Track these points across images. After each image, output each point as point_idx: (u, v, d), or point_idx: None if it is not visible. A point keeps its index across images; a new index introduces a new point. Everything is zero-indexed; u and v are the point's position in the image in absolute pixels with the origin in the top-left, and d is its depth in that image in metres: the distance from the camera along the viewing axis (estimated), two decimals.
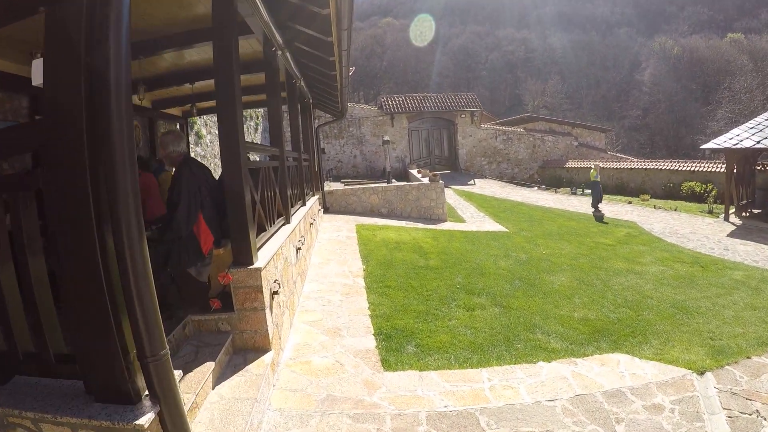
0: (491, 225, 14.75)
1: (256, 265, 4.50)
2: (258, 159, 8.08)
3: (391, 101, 29.03)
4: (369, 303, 6.95)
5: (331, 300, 6.99)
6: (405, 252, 10.19)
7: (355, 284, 7.77)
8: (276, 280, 4.98)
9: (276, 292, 4.88)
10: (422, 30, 75.18)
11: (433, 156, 29.53)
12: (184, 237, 4.43)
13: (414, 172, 21.15)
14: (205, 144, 17.82)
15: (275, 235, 6.02)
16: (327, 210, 14.98)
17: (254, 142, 20.28)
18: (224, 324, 4.56)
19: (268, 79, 7.15)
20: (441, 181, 15.56)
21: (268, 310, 4.56)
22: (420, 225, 13.98)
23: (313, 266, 8.82)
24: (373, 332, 5.92)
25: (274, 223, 6.12)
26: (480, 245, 11.48)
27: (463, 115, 29.02)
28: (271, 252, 5.10)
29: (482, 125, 29.59)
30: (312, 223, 9.81)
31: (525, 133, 29.95)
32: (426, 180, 16.42)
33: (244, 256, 4.54)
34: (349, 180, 23.18)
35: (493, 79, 70.98)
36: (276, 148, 7.15)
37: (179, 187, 4.46)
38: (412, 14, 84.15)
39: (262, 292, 4.44)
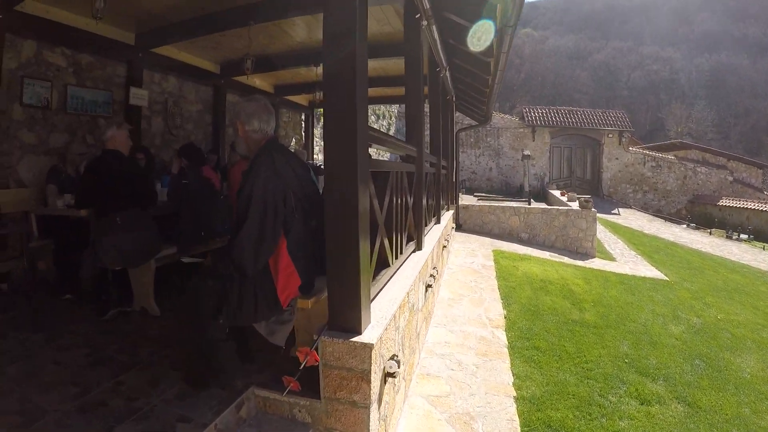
0: (646, 269, 11.94)
1: (365, 335, 2.75)
2: (387, 158, 6.11)
3: (534, 113, 25.88)
4: (513, 374, 4.91)
5: (462, 362, 4.94)
6: (553, 296, 7.95)
7: (494, 339, 5.67)
8: (394, 356, 3.06)
9: (392, 374, 2.94)
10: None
11: (574, 177, 25.78)
12: (250, 274, 2.77)
13: (555, 193, 18.39)
14: None
15: (401, 270, 4.21)
16: (459, 227, 12.85)
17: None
18: (302, 412, 2.83)
19: (408, 53, 5.31)
20: (594, 210, 12.77)
21: (374, 405, 2.73)
22: (566, 259, 11.53)
23: (442, 303, 6.82)
24: (519, 430, 3.92)
25: (402, 252, 4.33)
26: (641, 297, 9.04)
27: (610, 135, 25.10)
28: (392, 306, 3.28)
29: (630, 148, 25.73)
30: (445, 246, 7.67)
31: (676, 161, 25.42)
32: (574, 205, 13.69)
33: (346, 317, 2.79)
34: (483, 194, 20.88)
35: (634, 99, 65.04)
36: (413, 147, 5.21)
37: (249, 192, 2.79)
38: (553, 25, 79.76)
39: (369, 380, 2.65)
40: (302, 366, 2.68)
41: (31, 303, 4.19)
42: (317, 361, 2.63)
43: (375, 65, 9.22)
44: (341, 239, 2.68)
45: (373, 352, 2.63)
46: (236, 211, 2.83)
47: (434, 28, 5.53)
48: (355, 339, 2.65)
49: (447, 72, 7.69)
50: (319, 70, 8.62)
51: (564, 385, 4.89)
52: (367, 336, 2.68)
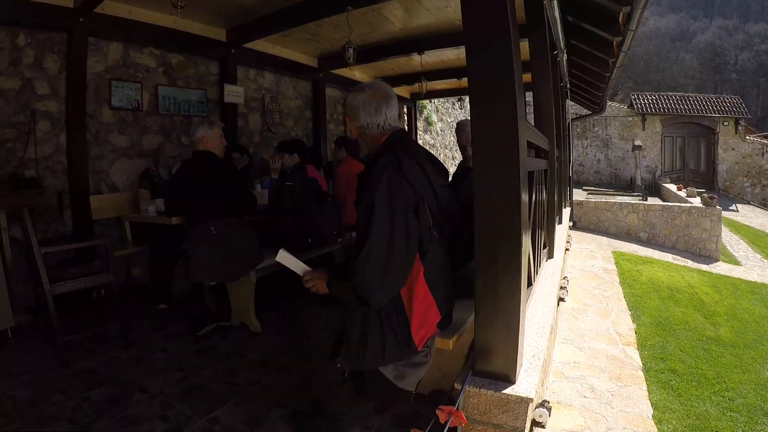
0: None
1: (520, 383, 2.07)
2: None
3: (644, 99, 22.82)
4: (651, 404, 4.06)
5: (594, 388, 4.07)
6: (683, 307, 6.87)
7: (626, 359, 4.78)
8: (544, 402, 2.30)
9: (540, 425, 2.23)
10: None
11: (687, 169, 22.42)
12: (375, 308, 2.09)
13: (670, 187, 16.14)
14: (435, 132, 15.20)
15: (539, 286, 3.49)
16: (573, 225, 11.46)
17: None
18: None
19: (533, 34, 4.29)
20: (719, 207, 10.81)
21: None
22: (690, 262, 9.97)
23: (566, 314, 5.93)
24: None
25: (540, 264, 3.67)
26: None
27: (725, 123, 21.46)
28: (541, 338, 2.57)
29: (747, 137, 22.25)
30: (567, 249, 6.52)
31: None
32: (696, 202, 11.72)
33: (497, 360, 2.10)
34: (592, 188, 18.91)
35: (744, 83, 57.84)
36: (546, 139, 4.23)
37: (370, 203, 2.05)
38: (651, 5, 73.09)
39: None
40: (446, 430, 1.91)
41: (121, 315, 3.73)
42: (463, 423, 1.91)
43: None
44: (496, 259, 2.01)
45: (530, 406, 2.00)
46: (356, 227, 2.11)
47: (555, 3, 4.51)
48: (508, 391, 2.00)
49: (564, 55, 6.45)
50: (424, 58, 7.69)
51: (706, 419, 4.15)
52: (522, 386, 2.03)
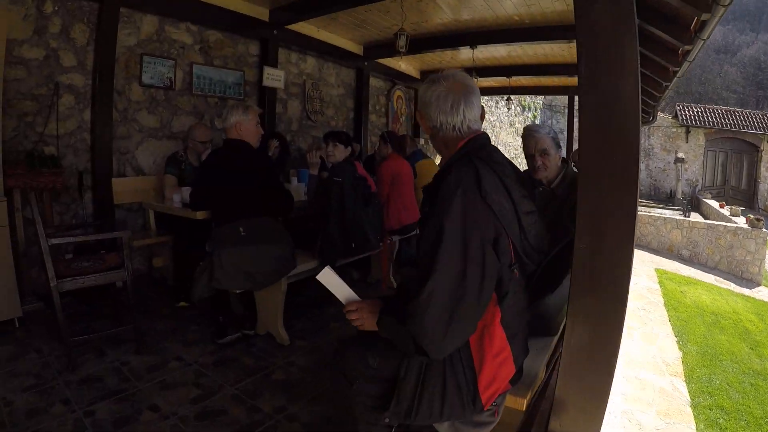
0: None
1: None
2: None
3: (689, 111, 21.60)
4: None
5: (642, 425, 3.76)
6: (728, 335, 6.63)
7: (674, 391, 4.51)
8: None
9: None
10: None
11: (728, 186, 21.16)
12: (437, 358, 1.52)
13: (712, 203, 15.25)
14: None
15: None
16: None
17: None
18: None
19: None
20: (765, 230, 10.01)
21: None
22: (733, 285, 9.53)
23: None
24: None
25: None
26: None
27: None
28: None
29: None
30: None
31: None
32: (740, 222, 10.96)
33: (579, 417, 1.67)
34: None
35: None
36: None
37: (438, 228, 1.49)
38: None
39: None
40: None
41: (135, 317, 3.23)
42: None
43: (538, 51, 7.51)
44: (598, 292, 1.64)
45: None
46: (419, 255, 1.57)
47: None
48: None
49: None
50: (476, 53, 7.02)
51: None
52: None
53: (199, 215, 3.49)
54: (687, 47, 4.51)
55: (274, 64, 6.02)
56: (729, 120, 21.03)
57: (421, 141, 10.31)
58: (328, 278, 1.74)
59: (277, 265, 3.27)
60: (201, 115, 5.29)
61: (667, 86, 7.40)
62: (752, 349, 6.28)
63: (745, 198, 21.09)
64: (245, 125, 3.20)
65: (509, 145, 17.52)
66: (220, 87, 5.47)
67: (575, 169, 3.09)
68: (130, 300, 3.09)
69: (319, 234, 3.88)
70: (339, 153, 4.05)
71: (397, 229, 4.99)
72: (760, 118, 21.07)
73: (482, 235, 1.51)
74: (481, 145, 1.69)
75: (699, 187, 20.77)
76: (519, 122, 18.51)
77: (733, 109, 23.44)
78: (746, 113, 21.89)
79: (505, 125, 17.13)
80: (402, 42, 5.26)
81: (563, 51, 7.63)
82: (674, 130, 21.41)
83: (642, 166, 21.55)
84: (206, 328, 3.62)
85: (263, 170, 3.26)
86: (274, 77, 6.00)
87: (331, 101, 7.57)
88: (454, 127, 1.70)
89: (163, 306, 4.05)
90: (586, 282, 1.60)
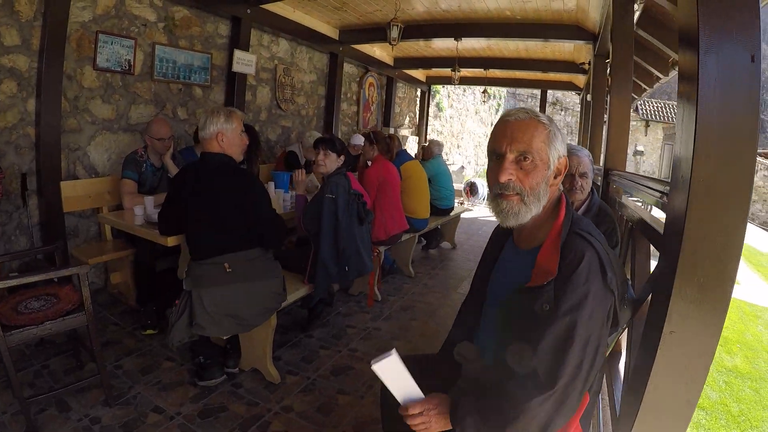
0: None
1: None
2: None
3: (649, 106, 22.58)
4: None
5: None
6: None
7: None
8: None
9: None
10: None
11: None
12: None
13: None
14: (444, 118, 14.20)
15: None
16: None
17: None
18: None
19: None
20: None
21: None
22: None
23: None
24: None
25: None
26: None
27: None
28: None
29: None
30: None
31: None
32: None
33: None
34: None
35: None
36: None
37: (571, 329, 1.25)
38: None
39: None
40: None
41: (99, 364, 2.64)
42: None
43: (519, 45, 7.28)
44: None
45: None
46: (540, 355, 1.28)
47: None
48: None
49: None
50: (460, 44, 6.72)
51: None
52: None
53: (171, 242, 2.96)
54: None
55: (246, 47, 5.45)
56: None
57: (390, 130, 9.97)
58: (388, 368, 1.35)
59: (267, 303, 2.85)
60: (162, 104, 4.69)
61: (646, 90, 7.52)
62: (722, 345, 6.33)
63: None
64: (228, 136, 2.68)
65: (474, 133, 17.42)
66: (185, 72, 4.88)
67: (599, 199, 2.85)
68: (93, 346, 2.59)
69: (310, 257, 3.50)
70: (331, 163, 3.59)
71: (385, 239, 4.65)
72: None
73: (600, 336, 1.28)
74: (577, 216, 1.41)
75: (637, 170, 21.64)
76: (484, 110, 18.42)
77: None
78: None
79: (471, 113, 16.98)
80: (395, 33, 4.87)
81: (544, 48, 7.50)
82: (634, 123, 22.14)
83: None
84: (182, 364, 3.15)
85: (252, 193, 2.74)
86: (244, 62, 5.45)
87: (303, 88, 7.04)
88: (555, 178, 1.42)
89: (127, 335, 3.51)
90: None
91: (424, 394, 1.41)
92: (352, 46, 7.47)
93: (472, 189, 11.69)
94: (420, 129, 11.96)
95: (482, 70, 8.93)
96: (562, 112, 23.52)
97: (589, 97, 6.77)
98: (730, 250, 1.22)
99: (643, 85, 7.30)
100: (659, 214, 2.49)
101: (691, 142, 1.17)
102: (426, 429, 1.37)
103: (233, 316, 2.68)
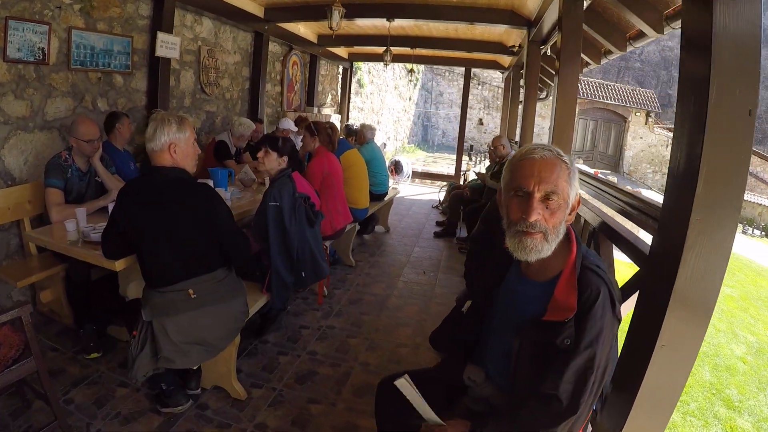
0: None
1: None
2: None
3: None
4: None
5: None
6: None
7: None
8: None
9: None
10: None
11: (596, 151, 24.44)
12: None
13: (584, 167, 16.68)
14: (365, 95, 14.06)
15: None
16: None
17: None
18: None
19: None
20: None
21: None
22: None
23: None
24: None
25: None
26: None
27: (637, 114, 23.76)
28: None
29: (655, 128, 23.82)
30: None
31: None
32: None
33: None
34: None
35: (646, 73, 62.02)
36: None
37: (589, 362, 1.41)
38: None
39: None
40: None
41: (29, 385, 2.49)
42: None
43: (449, 27, 7.31)
44: None
45: None
46: (560, 385, 1.41)
47: None
48: None
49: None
50: (393, 23, 6.64)
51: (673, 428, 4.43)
52: None
53: (119, 266, 2.66)
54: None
55: (170, 29, 5.01)
56: (601, 93, 23.72)
57: (314, 110, 9.77)
58: (407, 389, 1.52)
59: (234, 323, 2.71)
60: (81, 95, 4.23)
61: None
62: None
63: (612, 163, 24.46)
64: (182, 146, 2.43)
65: (393, 108, 17.46)
66: (104, 58, 4.42)
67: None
68: (46, 391, 2.34)
69: (267, 266, 3.37)
70: (270, 162, 3.43)
71: (331, 234, 4.59)
72: (630, 93, 24.62)
73: (612, 349, 1.47)
74: (585, 250, 1.54)
75: (570, 151, 22.70)
76: (403, 85, 18.48)
77: (605, 82, 26.59)
78: (618, 87, 25.32)
79: (390, 89, 16.97)
80: (336, 17, 4.70)
81: (473, 30, 7.62)
82: (549, 99, 22.93)
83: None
84: (137, 389, 2.92)
85: (215, 211, 2.50)
86: (168, 44, 5.03)
87: (227, 70, 6.64)
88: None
89: (70, 361, 3.20)
90: None
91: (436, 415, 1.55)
92: (278, 24, 7.14)
93: (396, 168, 11.78)
94: (342, 107, 11.78)
95: (409, 48, 8.91)
96: (480, 87, 24.17)
97: (522, 82, 6.98)
98: (718, 270, 1.42)
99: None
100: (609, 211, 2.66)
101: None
102: None
103: (200, 343, 2.52)
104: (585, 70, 7.22)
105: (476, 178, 7.03)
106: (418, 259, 5.91)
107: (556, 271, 1.48)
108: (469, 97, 23.78)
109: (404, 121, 19.46)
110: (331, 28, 4.83)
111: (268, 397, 3.00)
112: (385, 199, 6.47)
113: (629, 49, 5.00)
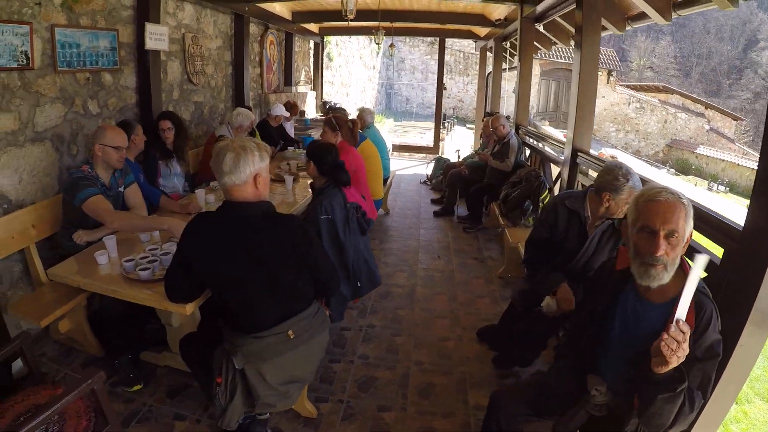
0: None
1: None
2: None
3: None
4: None
5: None
6: None
7: None
8: None
9: None
10: None
11: (560, 111, 23.85)
12: None
13: (550, 130, 17.54)
14: (334, 68, 13.46)
15: None
16: None
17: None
18: None
19: None
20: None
21: None
22: None
23: None
24: None
25: None
26: None
27: (599, 73, 23.16)
28: None
29: (617, 87, 23.76)
30: None
31: (659, 105, 23.60)
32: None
33: None
34: (473, 125, 19.03)
35: (611, 35, 62.50)
36: None
37: (716, 341, 1.72)
38: None
39: None
40: None
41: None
42: None
43: None
44: None
45: None
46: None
47: None
48: None
49: None
50: None
51: None
52: None
53: (189, 309, 2.27)
54: None
55: (156, 18, 4.43)
56: (562, 53, 23.28)
57: (293, 89, 9.23)
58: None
59: (321, 353, 2.42)
60: (71, 99, 3.65)
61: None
62: None
63: None
64: (264, 176, 2.04)
65: (360, 79, 16.95)
66: (91, 56, 3.83)
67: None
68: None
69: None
70: (313, 173, 3.18)
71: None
72: None
73: None
74: None
75: (534, 112, 22.67)
76: (366, 54, 17.87)
77: None
78: None
79: (356, 59, 16.37)
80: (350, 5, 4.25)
81: (458, 3, 7.28)
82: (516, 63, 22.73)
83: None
84: (198, 420, 2.62)
85: (306, 239, 2.15)
86: (157, 36, 4.44)
87: (210, 57, 6.02)
88: None
89: (111, 396, 2.73)
90: None
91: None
92: (257, 4, 6.52)
93: None
94: (316, 83, 11.17)
95: (376, 22, 8.38)
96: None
97: (516, 60, 6.71)
98: None
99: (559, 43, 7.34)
100: None
101: None
102: (674, 352, 1.47)
103: (296, 380, 2.23)
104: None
105: (472, 155, 6.77)
106: (427, 243, 5.64)
107: (671, 294, 1.64)
108: (432, 63, 23.49)
109: (369, 90, 18.83)
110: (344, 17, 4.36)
111: (338, 411, 2.79)
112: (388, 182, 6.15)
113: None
